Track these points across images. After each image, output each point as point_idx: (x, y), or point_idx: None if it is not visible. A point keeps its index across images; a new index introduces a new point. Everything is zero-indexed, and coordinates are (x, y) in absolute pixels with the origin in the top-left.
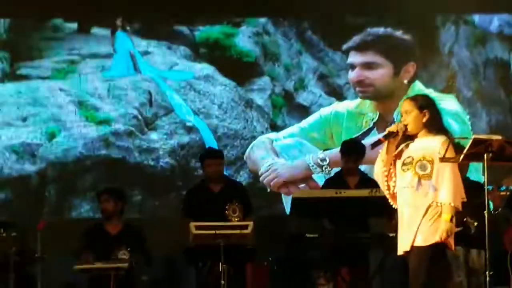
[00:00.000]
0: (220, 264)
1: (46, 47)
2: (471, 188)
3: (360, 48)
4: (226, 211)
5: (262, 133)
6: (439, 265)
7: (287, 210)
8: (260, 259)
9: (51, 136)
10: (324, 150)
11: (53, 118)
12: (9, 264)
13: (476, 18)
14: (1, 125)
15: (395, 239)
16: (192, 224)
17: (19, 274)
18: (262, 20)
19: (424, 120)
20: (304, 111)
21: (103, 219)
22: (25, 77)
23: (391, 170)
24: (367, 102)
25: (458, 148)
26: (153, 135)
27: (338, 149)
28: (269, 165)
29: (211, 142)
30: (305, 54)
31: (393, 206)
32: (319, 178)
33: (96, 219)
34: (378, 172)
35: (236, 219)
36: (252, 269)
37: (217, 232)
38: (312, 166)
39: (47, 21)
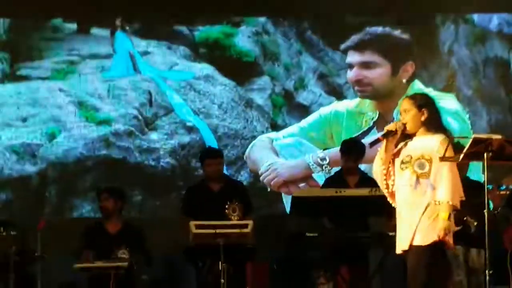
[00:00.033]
0: (220, 263)
1: (46, 48)
2: (471, 188)
3: (358, 47)
4: (226, 210)
5: (263, 132)
6: (439, 264)
7: (287, 209)
8: (260, 258)
9: (51, 136)
10: (324, 150)
11: (53, 118)
12: (9, 264)
13: (476, 17)
14: (1, 126)
15: (394, 238)
16: (192, 223)
17: (19, 274)
18: (262, 19)
19: (423, 118)
20: (304, 111)
21: (103, 218)
22: (25, 78)
23: (390, 169)
24: (367, 101)
25: (458, 147)
26: (154, 135)
27: (338, 148)
28: (269, 165)
29: (211, 142)
30: (305, 54)
31: (392, 205)
32: (319, 178)
33: (96, 219)
34: (376, 170)
35: (236, 218)
36: (252, 268)
37: (217, 231)
38: (312, 165)
39: (46, 21)
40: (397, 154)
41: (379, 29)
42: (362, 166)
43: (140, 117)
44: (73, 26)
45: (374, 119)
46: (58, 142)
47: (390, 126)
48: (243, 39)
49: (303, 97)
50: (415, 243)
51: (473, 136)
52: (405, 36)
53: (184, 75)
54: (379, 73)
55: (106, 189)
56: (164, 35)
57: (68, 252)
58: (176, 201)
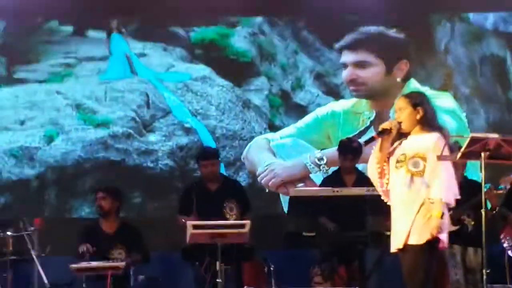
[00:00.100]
0: (217, 263)
1: (42, 51)
2: (469, 187)
3: (352, 47)
4: (223, 209)
5: (261, 133)
6: (435, 262)
7: (285, 209)
8: (258, 257)
9: (50, 139)
10: (321, 150)
11: (51, 121)
12: (6, 263)
13: (471, 15)
14: None
15: None
16: (189, 224)
17: (16, 273)
18: (257, 20)
19: (418, 117)
20: (302, 111)
21: (99, 217)
22: (22, 81)
23: (385, 168)
24: (363, 101)
25: (455, 145)
26: (152, 137)
27: (335, 148)
28: (267, 166)
29: (209, 143)
30: (301, 54)
31: (388, 203)
32: (317, 178)
33: (94, 219)
34: (371, 169)
35: (233, 217)
36: (249, 267)
37: (214, 231)
38: (310, 165)
39: (42, 24)
40: (392, 153)
41: (372, 29)
42: (360, 166)
43: (137, 119)
44: (69, 28)
45: (371, 119)
46: (56, 145)
47: (385, 125)
48: (239, 40)
49: (300, 97)
50: (411, 242)
51: (470, 135)
52: (399, 35)
53: (181, 76)
54: (373, 72)
55: (102, 189)
56: (159, 37)
57: (65, 252)
58: (175, 203)
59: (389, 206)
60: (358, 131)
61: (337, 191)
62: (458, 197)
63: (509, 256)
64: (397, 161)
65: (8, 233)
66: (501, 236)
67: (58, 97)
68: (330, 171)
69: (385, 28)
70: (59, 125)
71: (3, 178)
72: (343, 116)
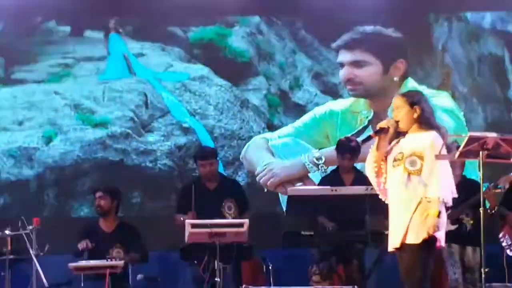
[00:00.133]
0: (215, 261)
1: (40, 51)
2: (468, 186)
3: (349, 46)
4: (221, 208)
5: (259, 133)
6: (432, 261)
7: (284, 208)
8: (256, 256)
9: (48, 140)
10: (319, 149)
11: (49, 122)
12: (4, 262)
13: (469, 14)
14: None
15: None
16: (188, 223)
17: (14, 273)
18: (255, 19)
19: (415, 116)
20: (300, 110)
21: (98, 216)
22: (20, 82)
23: (382, 166)
24: (361, 100)
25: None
26: (150, 137)
27: (334, 147)
28: (265, 165)
29: (208, 143)
30: (299, 53)
31: (386, 202)
32: (316, 177)
33: (92, 218)
34: (368, 168)
35: (232, 216)
36: (248, 266)
37: (213, 230)
38: (308, 165)
39: (40, 25)
40: (389, 152)
41: (369, 28)
42: (358, 165)
43: (136, 119)
44: (67, 29)
45: (369, 118)
46: (54, 145)
47: (382, 123)
48: (237, 40)
49: (298, 97)
50: (408, 241)
51: (468, 134)
52: (396, 34)
53: (179, 76)
54: (370, 72)
55: (101, 189)
56: (157, 37)
57: (63, 251)
58: (174, 202)
59: (387, 205)
60: (356, 131)
61: (336, 190)
62: (456, 195)
63: (507, 255)
64: (394, 160)
65: (7, 232)
66: (500, 235)
67: (56, 98)
68: (328, 171)
69: (382, 28)
70: (58, 125)
71: (1, 178)
72: (341, 115)
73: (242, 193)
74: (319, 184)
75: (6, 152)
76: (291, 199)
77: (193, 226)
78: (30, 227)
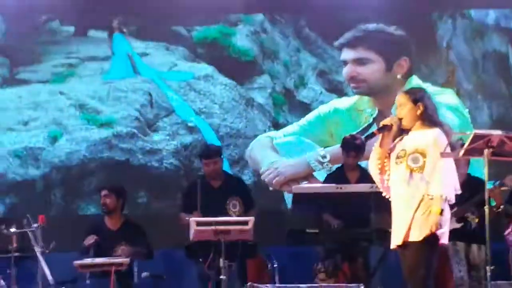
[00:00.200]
0: (220, 259)
1: (44, 51)
2: (473, 184)
3: (351, 44)
4: (226, 206)
5: (264, 131)
6: (436, 258)
7: (289, 206)
8: (262, 254)
9: (54, 140)
10: (324, 147)
11: (54, 122)
12: (10, 260)
13: (473, 11)
14: (3, 130)
15: None
16: (193, 220)
17: (20, 270)
18: (259, 18)
19: (419, 113)
20: (305, 108)
21: (104, 215)
22: (25, 82)
23: (386, 164)
24: (365, 98)
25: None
26: (156, 136)
27: (338, 145)
28: (270, 164)
29: (213, 142)
30: (303, 51)
31: (390, 199)
32: (321, 176)
33: (98, 216)
34: (372, 165)
35: (236, 214)
36: (253, 264)
37: (218, 228)
38: (313, 163)
39: (44, 25)
40: (393, 149)
41: (371, 26)
42: (363, 163)
43: (141, 118)
44: (71, 29)
45: (374, 116)
46: (60, 145)
47: (385, 121)
48: (241, 38)
49: (303, 95)
50: (411, 239)
51: (473, 132)
52: (399, 32)
53: (184, 75)
54: (373, 69)
55: (107, 187)
56: (161, 36)
57: (69, 248)
58: (180, 201)
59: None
60: (361, 129)
61: (341, 188)
62: (459, 192)
63: None
64: (397, 157)
65: (12, 230)
66: (506, 232)
67: (61, 98)
68: (333, 169)
69: (385, 25)
70: (63, 125)
71: (8, 179)
72: (345, 113)
73: (247, 191)
74: (324, 182)
75: (12, 152)
76: (296, 197)
77: (198, 224)
78: (36, 224)
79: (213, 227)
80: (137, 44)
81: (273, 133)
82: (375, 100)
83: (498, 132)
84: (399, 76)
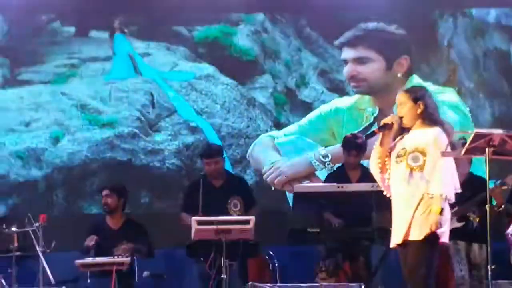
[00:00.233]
0: (222, 258)
1: (46, 52)
2: (474, 183)
3: (351, 43)
4: (227, 205)
5: (266, 131)
6: (437, 257)
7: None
8: (263, 253)
9: (56, 140)
10: (325, 147)
11: (56, 122)
12: (11, 259)
13: (473, 10)
14: (5, 131)
15: None
16: (194, 219)
17: (21, 269)
18: (260, 18)
19: (419, 111)
20: (307, 108)
21: (105, 214)
22: (27, 82)
23: (386, 162)
24: (366, 97)
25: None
26: (158, 137)
27: (340, 145)
28: (272, 164)
29: (215, 141)
30: (304, 51)
31: (390, 198)
32: (322, 175)
33: (99, 215)
34: (372, 164)
35: (237, 213)
36: (254, 263)
37: (219, 227)
38: (315, 162)
39: (45, 26)
40: (393, 148)
41: (371, 25)
42: (365, 162)
43: (143, 118)
44: (72, 29)
45: (375, 115)
46: (62, 145)
47: (386, 120)
48: (242, 38)
49: (305, 94)
50: (411, 238)
51: (474, 131)
52: (399, 31)
53: (185, 75)
54: (373, 68)
55: (108, 186)
56: (162, 36)
57: (70, 247)
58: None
59: None
60: (362, 128)
61: (342, 187)
62: (459, 191)
63: None
64: (397, 156)
65: (13, 229)
66: (508, 230)
67: (63, 98)
68: (335, 168)
69: (385, 24)
70: (65, 126)
71: (10, 179)
72: (346, 113)
73: (249, 191)
74: (325, 181)
75: (14, 153)
76: (297, 196)
77: (199, 223)
78: (37, 224)
79: (214, 226)
80: (138, 44)
81: (274, 132)
82: (376, 99)
83: (499, 131)
84: (399, 75)
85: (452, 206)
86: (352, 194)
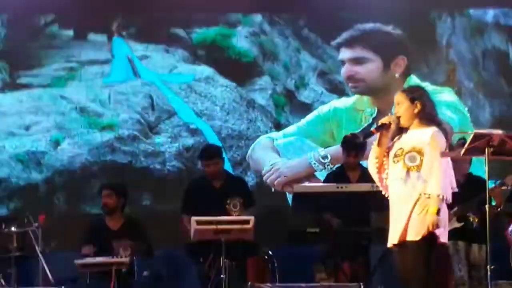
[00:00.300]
0: (221, 258)
1: (44, 56)
2: (474, 184)
3: (348, 43)
4: (227, 206)
5: (266, 132)
6: (435, 258)
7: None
8: (261, 254)
9: (56, 144)
10: (325, 148)
11: (56, 125)
12: (11, 259)
13: (471, 9)
14: (5, 135)
15: None
16: (193, 219)
17: (20, 269)
18: (258, 19)
19: (416, 111)
20: (307, 109)
21: (105, 214)
22: (26, 86)
23: (384, 162)
24: (365, 98)
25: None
26: (158, 139)
27: (339, 145)
28: (272, 165)
29: (215, 143)
30: (303, 52)
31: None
32: (322, 176)
33: (99, 215)
34: (370, 164)
35: (237, 214)
36: (253, 264)
37: (218, 227)
38: (314, 163)
39: (43, 29)
40: (391, 148)
41: (368, 25)
42: (364, 163)
43: (143, 121)
44: (70, 32)
45: (373, 116)
46: (63, 149)
47: (384, 119)
48: (241, 40)
49: (305, 96)
50: (409, 238)
51: (473, 131)
52: (396, 31)
53: (184, 77)
54: (370, 68)
55: (108, 186)
56: (161, 39)
57: (70, 247)
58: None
59: None
60: (361, 129)
61: (341, 187)
62: (456, 190)
63: None
64: (395, 156)
65: (13, 229)
66: (509, 229)
67: (62, 102)
68: (334, 168)
69: (382, 24)
70: (65, 129)
71: (11, 183)
72: (345, 113)
73: (248, 191)
74: (324, 181)
75: (14, 157)
76: (297, 196)
77: (199, 223)
78: (36, 224)
79: (213, 227)
80: (136, 46)
81: (273, 134)
82: (375, 99)
83: (498, 132)
84: (397, 75)
85: (451, 206)
86: (351, 194)
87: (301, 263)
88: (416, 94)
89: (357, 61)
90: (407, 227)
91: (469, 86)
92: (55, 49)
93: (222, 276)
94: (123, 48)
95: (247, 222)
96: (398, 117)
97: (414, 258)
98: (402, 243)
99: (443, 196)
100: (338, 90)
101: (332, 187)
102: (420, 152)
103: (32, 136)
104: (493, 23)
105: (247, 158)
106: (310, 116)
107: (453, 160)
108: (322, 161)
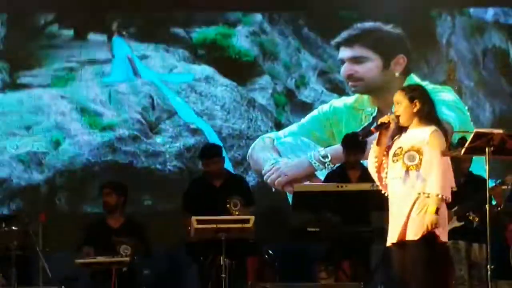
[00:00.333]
0: (221, 258)
1: (44, 56)
2: (474, 183)
3: (348, 43)
4: (227, 205)
5: (267, 131)
6: (435, 257)
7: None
8: (262, 253)
9: (56, 144)
10: (325, 147)
11: (56, 126)
12: (11, 258)
13: (471, 8)
14: (6, 135)
15: None
16: (194, 218)
17: (21, 268)
18: (258, 18)
19: (415, 110)
20: (307, 108)
21: (105, 213)
22: (26, 86)
23: (384, 162)
24: (365, 97)
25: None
26: (158, 139)
27: (339, 145)
28: (272, 165)
29: (216, 143)
30: (303, 51)
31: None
32: (323, 175)
33: (99, 214)
34: (370, 163)
35: (237, 213)
36: (253, 262)
37: (219, 226)
38: (315, 163)
39: (43, 29)
40: (391, 147)
41: (367, 24)
42: (365, 162)
43: (143, 121)
44: (70, 32)
45: (373, 115)
46: (63, 149)
47: (383, 119)
48: (241, 39)
49: (305, 95)
50: (408, 238)
51: (474, 130)
52: (396, 30)
53: (184, 77)
54: (370, 67)
55: (108, 185)
56: (161, 38)
57: (70, 246)
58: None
59: None
60: (361, 128)
61: (342, 187)
62: (455, 188)
63: None
64: (394, 155)
65: (13, 227)
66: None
67: (62, 102)
68: (334, 168)
69: (382, 23)
70: (65, 129)
71: (12, 184)
72: (345, 112)
73: (249, 190)
74: (325, 180)
75: (15, 157)
76: (297, 195)
77: (199, 222)
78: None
79: (214, 225)
80: (136, 46)
81: (273, 133)
82: (375, 98)
83: (499, 131)
84: (397, 74)
85: (452, 205)
86: (351, 193)
87: (301, 262)
88: (415, 93)
89: (356, 60)
90: (406, 226)
91: (469, 85)
92: (55, 49)
93: (222, 275)
94: (123, 48)
95: (247, 221)
96: (398, 116)
97: (413, 258)
98: (401, 243)
99: (442, 196)
100: (338, 89)
101: (332, 186)
102: (419, 151)
103: (33, 137)
104: (493, 22)
105: (247, 158)
106: (310, 116)
107: (453, 159)
108: (323, 160)
